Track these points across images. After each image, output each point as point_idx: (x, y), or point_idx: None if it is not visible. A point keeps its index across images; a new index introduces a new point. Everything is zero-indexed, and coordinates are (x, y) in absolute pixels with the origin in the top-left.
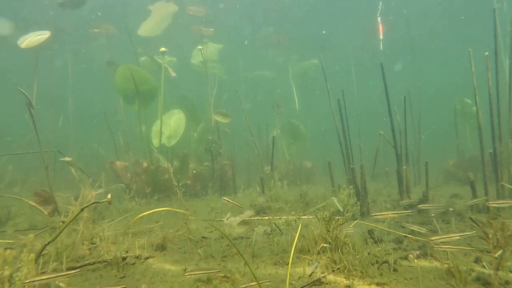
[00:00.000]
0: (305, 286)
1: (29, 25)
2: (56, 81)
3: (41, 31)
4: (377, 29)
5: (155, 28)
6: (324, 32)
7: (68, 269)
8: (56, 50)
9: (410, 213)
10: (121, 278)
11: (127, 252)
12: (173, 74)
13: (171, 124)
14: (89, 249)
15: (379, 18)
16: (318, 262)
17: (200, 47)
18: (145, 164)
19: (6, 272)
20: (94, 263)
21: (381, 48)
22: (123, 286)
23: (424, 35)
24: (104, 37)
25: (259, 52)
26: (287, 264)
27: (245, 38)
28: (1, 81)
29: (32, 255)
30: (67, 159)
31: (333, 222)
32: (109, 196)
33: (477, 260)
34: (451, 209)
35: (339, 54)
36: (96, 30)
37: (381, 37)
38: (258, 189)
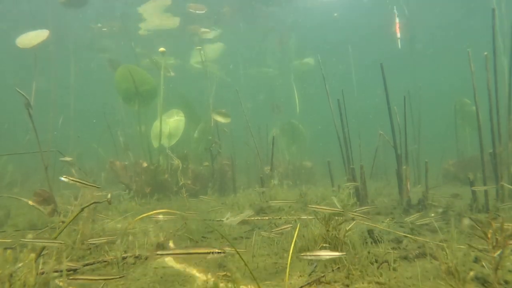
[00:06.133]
0: (305, 285)
1: (33, 24)
2: (57, 81)
3: (39, 30)
4: (394, 27)
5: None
6: (336, 14)
7: (69, 269)
8: (58, 51)
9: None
10: (122, 277)
11: (126, 252)
12: (172, 73)
13: (171, 124)
14: (89, 249)
15: (396, 17)
16: (318, 262)
17: (199, 47)
18: (144, 164)
19: (6, 272)
20: (94, 263)
21: (399, 47)
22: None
23: (424, 35)
24: (107, 37)
25: (259, 50)
26: (287, 263)
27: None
28: (4, 81)
29: (32, 255)
30: (67, 159)
31: (333, 222)
32: (109, 196)
33: (476, 260)
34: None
35: (340, 54)
36: (99, 25)
37: (398, 35)
38: (258, 189)
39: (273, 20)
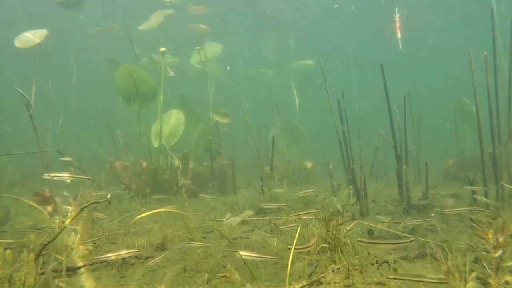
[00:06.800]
0: (305, 286)
1: (32, 23)
2: (57, 81)
3: (38, 30)
4: (395, 28)
5: (152, 25)
6: (336, 5)
7: (69, 268)
8: (58, 50)
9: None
10: (121, 277)
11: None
12: (172, 73)
13: (171, 124)
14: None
15: (397, 17)
16: (318, 262)
17: (198, 47)
18: (144, 164)
19: (6, 272)
20: (93, 263)
21: (400, 47)
22: None
23: (423, 35)
24: (104, 37)
25: (258, 50)
26: (287, 264)
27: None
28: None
29: (32, 255)
30: (67, 158)
31: (333, 222)
32: (108, 195)
33: (476, 260)
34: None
35: (340, 53)
36: (97, 28)
37: (399, 35)
38: (257, 189)
39: (273, 19)
